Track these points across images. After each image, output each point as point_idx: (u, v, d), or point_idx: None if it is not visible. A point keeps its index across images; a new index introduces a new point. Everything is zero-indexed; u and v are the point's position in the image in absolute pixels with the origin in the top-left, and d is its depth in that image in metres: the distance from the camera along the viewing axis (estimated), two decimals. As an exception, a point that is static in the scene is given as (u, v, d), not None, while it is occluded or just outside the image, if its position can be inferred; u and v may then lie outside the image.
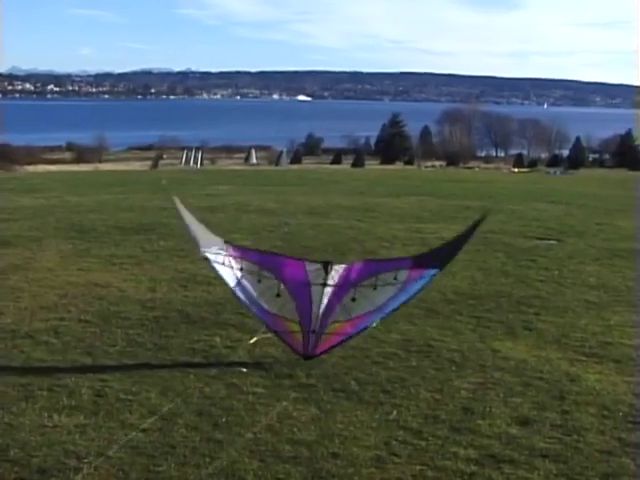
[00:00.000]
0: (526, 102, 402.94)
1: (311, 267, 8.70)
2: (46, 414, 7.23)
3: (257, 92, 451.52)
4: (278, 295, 8.56)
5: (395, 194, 28.29)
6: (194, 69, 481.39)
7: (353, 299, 8.52)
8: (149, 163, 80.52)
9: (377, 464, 6.34)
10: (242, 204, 23.48)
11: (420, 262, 8.80)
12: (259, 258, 8.84)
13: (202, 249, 8.72)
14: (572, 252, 15.91)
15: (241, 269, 8.59)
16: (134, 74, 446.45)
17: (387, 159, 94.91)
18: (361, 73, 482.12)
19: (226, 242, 8.95)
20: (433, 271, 8.74)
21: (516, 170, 76.63)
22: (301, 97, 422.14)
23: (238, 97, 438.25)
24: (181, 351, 9.10)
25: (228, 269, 8.62)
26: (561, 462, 6.42)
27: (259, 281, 8.58)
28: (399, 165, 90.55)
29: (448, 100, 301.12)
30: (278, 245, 15.84)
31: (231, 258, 8.63)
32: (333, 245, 16.02)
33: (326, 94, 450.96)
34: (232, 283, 8.62)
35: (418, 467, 6.29)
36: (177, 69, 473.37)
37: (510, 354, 9.24)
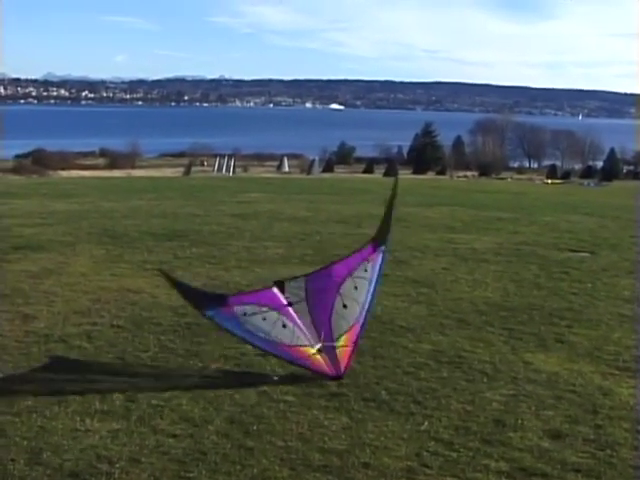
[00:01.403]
0: (560, 113, 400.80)
1: (275, 290, 8.60)
2: (78, 418, 7.28)
3: (290, 100, 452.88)
4: (284, 326, 8.43)
5: (427, 204, 28.22)
6: (227, 77, 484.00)
7: (344, 306, 8.55)
8: (181, 170, 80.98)
9: (408, 475, 6.31)
10: (274, 212, 23.54)
11: (374, 245, 9.04)
12: (256, 297, 8.70)
13: (205, 311, 8.59)
14: (606, 265, 15.77)
15: (244, 314, 8.41)
16: (168, 81, 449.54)
17: (419, 169, 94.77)
18: (393, 82, 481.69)
19: (222, 296, 8.94)
20: (382, 248, 9.05)
21: (549, 181, 76.12)
22: (334, 106, 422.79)
23: (271, 105, 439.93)
24: (212, 358, 9.13)
25: (233, 321, 8.46)
26: (594, 477, 6.35)
27: (264, 319, 8.41)
28: (431, 175, 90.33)
29: (481, 110, 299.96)
30: (309, 254, 15.87)
31: (233, 308, 8.47)
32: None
33: (358, 103, 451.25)
34: (242, 333, 8.48)
35: (449, 479, 6.26)
36: (210, 77, 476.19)
37: (542, 367, 9.17)
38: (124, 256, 15.46)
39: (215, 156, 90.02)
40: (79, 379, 8.38)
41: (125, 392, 7.98)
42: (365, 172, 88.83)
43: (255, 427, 7.15)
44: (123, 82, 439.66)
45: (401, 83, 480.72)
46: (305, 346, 8.40)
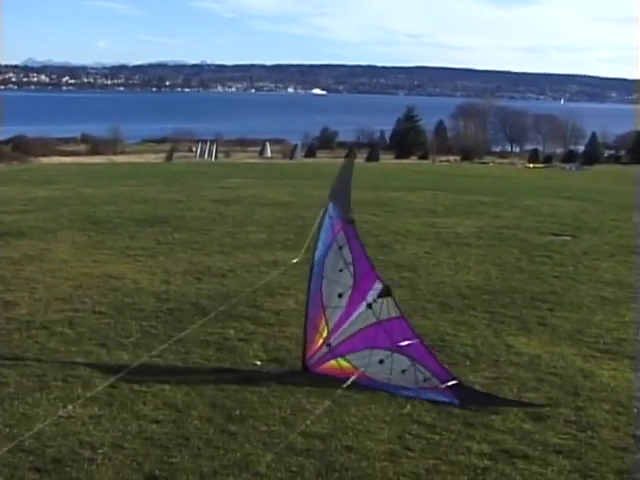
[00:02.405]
0: (542, 97, 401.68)
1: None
2: (60, 404, 7.26)
3: (272, 85, 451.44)
4: (340, 270, 8.09)
5: (409, 188, 28.24)
6: (209, 62, 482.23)
7: (381, 361, 7.90)
8: (163, 156, 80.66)
9: (390, 458, 6.34)
10: (256, 197, 23.49)
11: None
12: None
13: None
14: (587, 248, 15.85)
15: (340, 247, 8.23)
16: (149, 66, 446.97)
17: (401, 153, 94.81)
18: (376, 67, 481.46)
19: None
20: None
21: (531, 166, 76.37)
22: (316, 91, 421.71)
23: (253, 90, 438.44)
24: (195, 343, 9.11)
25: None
26: (575, 458, 6.40)
27: (341, 270, 8.10)
28: (413, 159, 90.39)
29: (463, 95, 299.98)
30: (291, 239, 15.84)
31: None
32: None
33: (341, 88, 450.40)
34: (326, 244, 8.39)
35: (432, 461, 6.28)
36: (192, 62, 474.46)
37: (524, 350, 9.22)
38: (106, 242, 15.40)
39: (197, 142, 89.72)
40: (61, 365, 8.34)
41: (107, 378, 7.95)
42: (347, 157, 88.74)
43: (238, 412, 7.15)
44: (104, 68, 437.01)
45: (384, 68, 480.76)
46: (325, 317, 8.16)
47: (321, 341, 8.15)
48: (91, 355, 8.75)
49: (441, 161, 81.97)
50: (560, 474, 6.15)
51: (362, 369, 7.87)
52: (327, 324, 8.11)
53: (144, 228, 17.07)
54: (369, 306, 7.89)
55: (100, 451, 6.33)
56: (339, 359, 8.07)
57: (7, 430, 6.70)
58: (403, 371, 7.79)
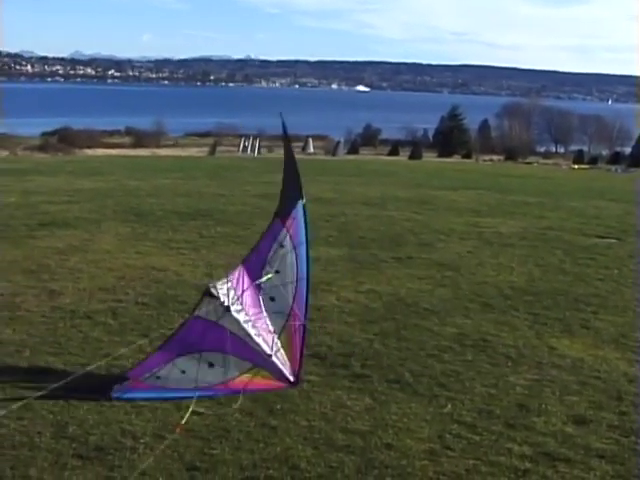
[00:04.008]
0: (588, 98, 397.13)
1: (201, 310, 7.46)
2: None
3: (316, 81, 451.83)
4: (211, 365, 7.44)
5: (452, 187, 28.09)
6: (253, 57, 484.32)
7: (271, 298, 7.66)
8: (206, 149, 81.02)
9: (430, 457, 6.31)
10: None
11: (282, 211, 8.06)
12: (155, 360, 7.54)
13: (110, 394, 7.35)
14: (632, 251, 15.64)
15: (158, 378, 7.42)
16: (194, 61, 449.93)
17: (445, 152, 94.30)
18: (421, 64, 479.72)
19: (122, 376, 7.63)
20: (299, 204, 8.07)
21: (576, 167, 75.52)
22: (360, 87, 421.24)
23: (297, 86, 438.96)
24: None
25: (151, 391, 7.40)
26: (618, 463, 6.32)
27: (183, 372, 7.43)
28: (457, 158, 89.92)
29: (508, 94, 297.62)
30: (334, 235, 15.85)
31: (141, 377, 7.47)
32: (389, 237, 15.99)
33: (385, 85, 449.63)
34: (168, 393, 7.37)
35: (472, 461, 6.25)
36: (236, 57, 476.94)
37: (567, 352, 9.13)
38: (149, 234, 15.51)
39: (240, 136, 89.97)
40: (104, 355, 8.42)
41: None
42: (390, 154, 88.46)
43: (279, 406, 7.18)
44: (149, 61, 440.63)
45: (428, 65, 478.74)
46: (242, 373, 7.50)
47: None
48: (133, 345, 8.81)
49: (484, 160, 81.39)
50: (602, 479, 6.09)
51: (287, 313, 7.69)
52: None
53: (187, 221, 17.17)
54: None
55: (142, 440, 6.39)
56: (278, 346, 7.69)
57: (51, 417, 6.79)
58: (278, 271, 7.68)
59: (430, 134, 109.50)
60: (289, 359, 7.69)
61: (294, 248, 7.83)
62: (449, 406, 7.33)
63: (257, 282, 7.66)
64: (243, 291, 7.59)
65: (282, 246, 7.80)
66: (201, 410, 6.99)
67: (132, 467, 5.96)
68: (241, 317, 7.48)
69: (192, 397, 7.04)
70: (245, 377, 7.50)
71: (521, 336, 9.66)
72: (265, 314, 7.67)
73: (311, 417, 6.96)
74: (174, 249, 14.12)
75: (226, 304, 7.39)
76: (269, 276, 7.65)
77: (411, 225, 17.41)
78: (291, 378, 7.65)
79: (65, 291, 11.06)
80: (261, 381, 7.54)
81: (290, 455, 6.25)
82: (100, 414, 6.87)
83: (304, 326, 7.78)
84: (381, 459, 6.24)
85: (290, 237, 7.84)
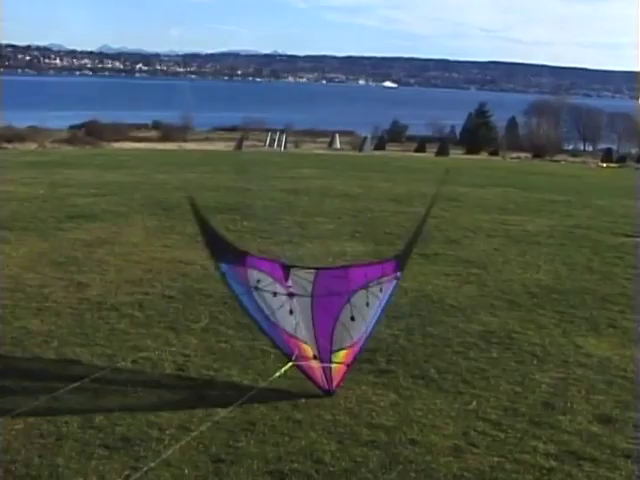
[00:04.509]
0: (617, 96, 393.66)
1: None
2: (129, 385, 7.40)
3: (343, 77, 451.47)
4: (291, 312, 7.29)
5: (480, 184, 27.97)
6: (281, 52, 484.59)
7: (352, 318, 7.30)
8: (233, 144, 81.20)
9: (455, 453, 6.31)
10: (326, 188, 23.53)
11: (396, 263, 7.56)
12: (270, 267, 7.37)
13: (219, 263, 7.46)
14: (661, 251, 15.52)
15: (258, 281, 7.24)
16: (221, 55, 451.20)
17: (472, 149, 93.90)
18: (448, 61, 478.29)
19: (241, 252, 7.46)
20: (398, 274, 7.54)
21: (604, 165, 74.95)
22: (387, 83, 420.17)
23: (324, 81, 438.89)
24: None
25: (244, 286, 7.34)
26: (644, 463, 6.29)
27: (274, 295, 7.25)
28: (484, 155, 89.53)
29: (536, 91, 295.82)
30: (360, 230, 15.86)
31: (247, 271, 7.26)
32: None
33: (412, 81, 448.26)
34: (247, 302, 7.42)
35: (496, 459, 6.24)
36: (264, 51, 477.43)
37: (593, 351, 9.08)
38: (176, 228, 15.58)
39: (267, 131, 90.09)
40: (131, 347, 8.49)
41: (176, 361, 8.08)
42: (417, 151, 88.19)
43: (304, 400, 7.20)
44: (177, 55, 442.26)
45: (456, 62, 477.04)
46: (306, 343, 7.42)
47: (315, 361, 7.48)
48: (160, 338, 8.88)
49: (512, 158, 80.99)
50: (628, 479, 6.06)
51: (352, 341, 7.41)
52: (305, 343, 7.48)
53: (214, 215, 17.19)
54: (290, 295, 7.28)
55: (167, 432, 6.44)
56: (334, 360, 7.44)
57: (78, 407, 6.85)
58: (367, 304, 7.29)
59: (457, 131, 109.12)
60: (337, 373, 7.48)
61: (380, 302, 7.44)
62: (474, 403, 7.32)
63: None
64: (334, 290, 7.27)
65: (380, 290, 7.38)
66: (226, 402, 7.02)
67: (158, 458, 6.00)
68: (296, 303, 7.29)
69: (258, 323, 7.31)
70: (303, 345, 7.37)
71: (547, 334, 9.62)
72: (339, 326, 7.34)
73: (336, 411, 6.98)
74: (201, 243, 14.15)
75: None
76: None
77: (438, 222, 17.35)
78: (327, 386, 7.47)
79: (92, 283, 11.16)
80: (308, 363, 7.43)
81: (315, 449, 6.27)
82: (126, 405, 6.93)
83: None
84: (405, 454, 6.24)
85: (385, 289, 7.42)
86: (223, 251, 7.46)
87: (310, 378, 7.48)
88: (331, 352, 7.37)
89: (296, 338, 7.36)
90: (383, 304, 7.48)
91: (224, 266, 7.36)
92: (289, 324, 7.30)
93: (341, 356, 7.44)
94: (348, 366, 7.52)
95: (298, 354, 7.39)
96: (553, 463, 6.22)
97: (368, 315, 7.38)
